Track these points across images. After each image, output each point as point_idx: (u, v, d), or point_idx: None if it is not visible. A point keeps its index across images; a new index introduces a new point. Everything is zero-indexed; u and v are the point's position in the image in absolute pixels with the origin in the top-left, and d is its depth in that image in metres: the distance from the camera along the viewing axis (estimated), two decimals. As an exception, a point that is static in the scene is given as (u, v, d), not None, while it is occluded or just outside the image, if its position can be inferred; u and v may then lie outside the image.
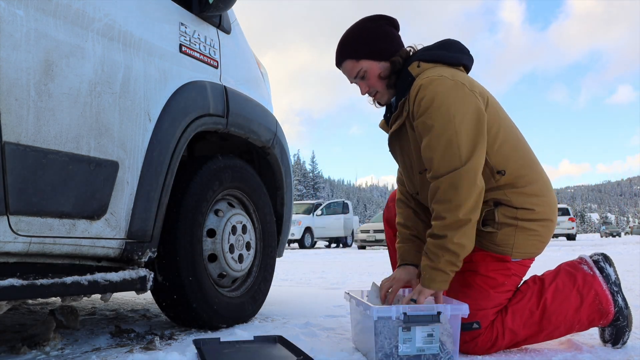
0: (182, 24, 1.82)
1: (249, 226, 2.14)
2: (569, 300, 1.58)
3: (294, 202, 11.54)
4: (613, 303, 1.59)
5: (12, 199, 1.22)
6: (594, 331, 1.89)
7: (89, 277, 1.43)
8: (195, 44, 1.88)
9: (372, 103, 1.77)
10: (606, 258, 1.67)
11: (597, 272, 1.62)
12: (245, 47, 2.29)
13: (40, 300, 2.63)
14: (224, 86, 2.00)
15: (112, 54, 1.49)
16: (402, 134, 1.66)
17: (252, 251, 2.16)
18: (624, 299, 1.62)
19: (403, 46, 1.68)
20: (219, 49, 2.02)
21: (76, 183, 1.38)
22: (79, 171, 1.38)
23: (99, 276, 1.46)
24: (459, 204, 1.45)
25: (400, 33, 1.73)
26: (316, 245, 18.45)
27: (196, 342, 1.59)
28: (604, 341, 1.67)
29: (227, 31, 2.11)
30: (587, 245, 14.20)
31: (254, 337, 1.69)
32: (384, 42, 1.65)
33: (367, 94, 1.71)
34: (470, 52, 1.69)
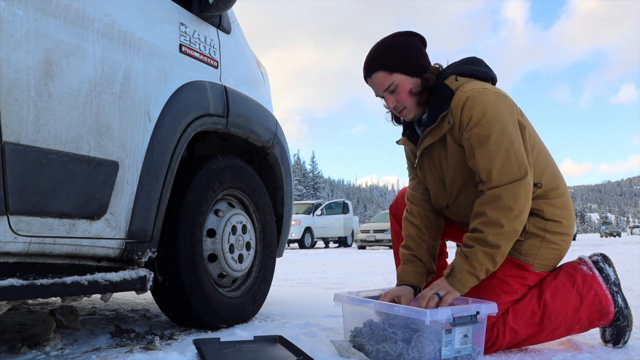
0: (182, 24, 1.82)
1: (249, 226, 2.14)
2: (568, 301, 1.58)
3: (294, 202, 11.55)
4: (613, 303, 1.59)
5: (12, 199, 1.22)
6: (594, 331, 1.89)
7: (89, 277, 1.43)
8: (195, 44, 1.88)
9: (391, 120, 1.77)
10: (605, 258, 1.67)
11: (597, 272, 1.63)
12: (245, 47, 2.29)
13: (40, 300, 2.63)
14: (224, 86, 2.00)
15: (112, 54, 1.49)
16: (434, 148, 1.67)
17: (252, 251, 2.16)
18: (623, 299, 1.63)
19: (431, 64, 1.68)
20: (219, 49, 2.02)
21: (76, 183, 1.38)
22: (79, 171, 1.38)
23: (99, 276, 1.46)
24: (518, 215, 1.47)
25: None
26: (316, 245, 18.44)
27: (196, 342, 1.59)
28: (605, 341, 1.67)
29: (227, 31, 2.11)
30: (587, 245, 14.20)
31: (254, 337, 1.68)
32: (417, 58, 1.65)
33: (393, 109, 1.68)
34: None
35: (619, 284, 1.64)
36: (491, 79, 1.66)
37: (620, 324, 1.62)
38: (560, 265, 1.68)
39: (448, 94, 1.59)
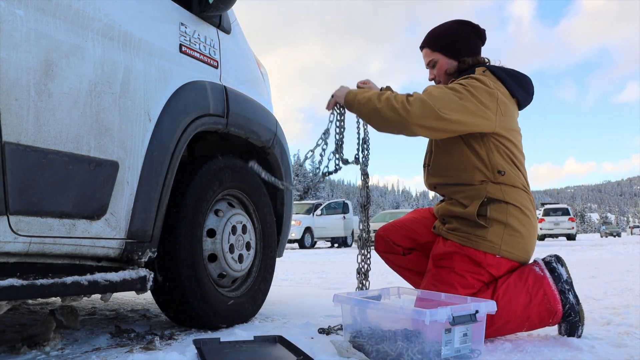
0: (182, 24, 1.82)
1: (249, 226, 2.14)
2: (517, 298, 1.70)
3: (294, 202, 11.53)
4: (561, 302, 1.71)
5: (12, 199, 1.22)
6: (595, 332, 1.90)
7: (89, 277, 1.43)
8: (195, 44, 1.88)
9: None
10: (558, 259, 1.80)
11: (548, 273, 1.75)
12: (245, 47, 2.29)
13: (40, 300, 2.63)
14: (224, 86, 2.00)
15: (112, 54, 1.49)
16: None
17: (252, 251, 2.16)
18: (575, 296, 1.74)
19: (479, 54, 1.93)
20: (219, 49, 2.02)
21: (76, 183, 1.38)
22: (79, 171, 1.38)
23: (99, 276, 1.46)
24: (414, 117, 1.69)
25: (482, 45, 1.97)
26: (318, 245, 18.43)
27: (196, 342, 1.59)
28: (561, 334, 1.79)
29: (227, 31, 2.11)
30: (587, 245, 14.20)
31: (254, 337, 1.68)
32: (459, 43, 1.91)
33: (431, 80, 1.99)
34: (533, 91, 1.91)
35: (571, 282, 1.75)
36: (512, 93, 1.83)
37: (572, 319, 1.73)
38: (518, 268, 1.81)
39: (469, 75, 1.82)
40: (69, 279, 1.37)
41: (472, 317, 1.41)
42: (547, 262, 1.79)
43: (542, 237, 22.71)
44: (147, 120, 1.61)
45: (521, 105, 1.90)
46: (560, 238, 24.70)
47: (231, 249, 2.02)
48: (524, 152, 1.91)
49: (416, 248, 2.03)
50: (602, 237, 39.52)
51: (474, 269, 1.76)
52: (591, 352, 1.58)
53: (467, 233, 1.79)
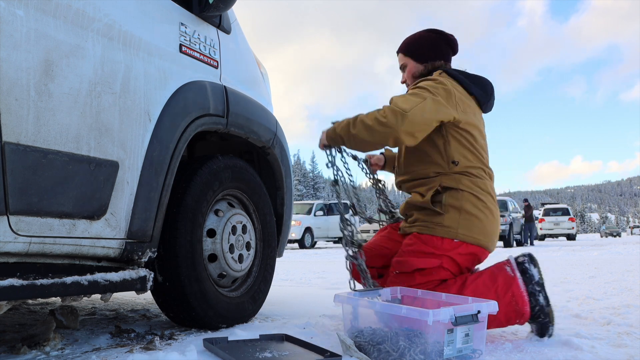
0: (182, 24, 1.82)
1: (249, 226, 2.14)
2: (485, 298, 1.70)
3: (294, 202, 11.53)
4: (530, 304, 1.72)
5: (12, 199, 1.22)
6: (596, 332, 1.90)
7: (89, 277, 1.43)
8: (195, 44, 1.88)
9: None
10: (532, 259, 1.80)
11: (519, 274, 1.76)
12: (245, 47, 2.29)
13: (40, 300, 2.63)
14: (224, 86, 2.00)
15: (112, 53, 1.49)
16: None
17: (252, 251, 2.16)
18: (545, 298, 1.75)
19: (447, 61, 2.07)
20: (219, 49, 2.02)
21: (76, 183, 1.38)
22: (79, 171, 1.38)
23: (99, 276, 1.46)
24: (383, 126, 1.79)
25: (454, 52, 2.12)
26: (316, 245, 18.43)
27: (206, 341, 1.59)
28: (532, 333, 1.81)
29: (227, 31, 2.11)
30: (587, 245, 14.19)
31: (260, 335, 1.69)
32: (426, 49, 2.05)
33: (403, 83, 2.12)
34: (492, 93, 2.03)
35: (542, 284, 1.75)
36: (469, 91, 1.95)
37: (542, 320, 1.74)
38: (491, 266, 1.84)
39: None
40: (69, 279, 1.37)
41: (474, 318, 1.42)
42: (520, 263, 1.79)
43: (542, 237, 22.70)
44: (147, 120, 1.61)
45: (481, 104, 1.99)
46: (560, 238, 24.69)
47: (231, 249, 2.02)
48: (492, 152, 2.01)
49: (389, 264, 2.03)
50: (602, 237, 39.53)
51: (432, 256, 1.82)
52: (591, 352, 1.58)
53: (425, 221, 1.88)
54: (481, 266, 1.96)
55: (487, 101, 2.01)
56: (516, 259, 1.81)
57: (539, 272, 1.76)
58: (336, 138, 1.92)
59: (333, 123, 1.95)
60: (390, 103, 1.84)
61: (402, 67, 2.11)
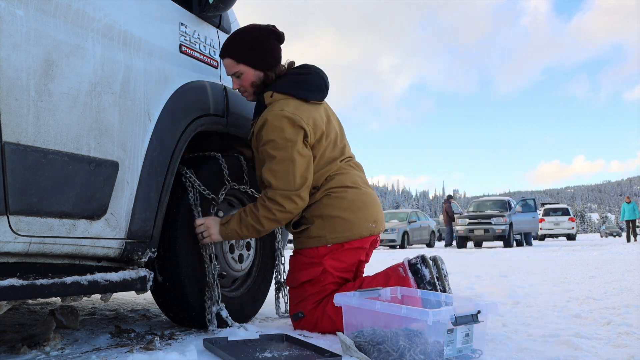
0: (182, 24, 1.82)
1: (249, 226, 2.13)
2: None
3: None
4: (422, 302, 1.75)
5: (12, 199, 1.22)
6: (596, 332, 1.90)
7: (89, 277, 1.43)
8: (195, 44, 1.88)
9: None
10: (424, 260, 1.87)
11: (410, 274, 1.85)
12: (245, 47, 2.28)
13: (40, 300, 2.63)
14: (224, 86, 2.00)
15: (112, 54, 1.49)
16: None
17: (252, 251, 2.16)
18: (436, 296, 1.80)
19: (280, 61, 1.95)
20: (219, 49, 2.01)
21: (76, 183, 1.38)
22: (79, 171, 1.38)
23: (99, 276, 1.46)
24: (277, 219, 1.83)
25: (280, 45, 1.98)
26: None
27: (206, 341, 1.59)
28: None
29: (227, 31, 2.11)
30: (587, 245, 14.20)
31: (260, 335, 1.69)
32: (265, 54, 1.91)
33: (237, 90, 1.98)
34: (326, 83, 1.97)
35: (433, 283, 1.83)
36: (305, 99, 1.89)
37: None
38: (386, 268, 1.93)
39: (263, 107, 1.90)
40: (69, 279, 1.37)
41: (474, 318, 1.41)
42: (412, 264, 1.87)
43: (542, 237, 22.70)
44: (147, 120, 1.61)
45: (320, 99, 1.95)
46: (560, 238, 24.70)
47: (231, 249, 2.02)
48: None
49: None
50: (602, 237, 39.53)
51: (313, 265, 1.88)
52: (591, 352, 1.58)
53: (299, 238, 1.94)
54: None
55: (325, 95, 1.97)
56: (409, 260, 1.89)
57: (430, 272, 1.84)
58: (232, 234, 1.85)
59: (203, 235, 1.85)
60: (265, 186, 1.85)
61: (237, 75, 1.91)
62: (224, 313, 1.85)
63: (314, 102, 1.93)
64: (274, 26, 1.95)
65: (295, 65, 1.98)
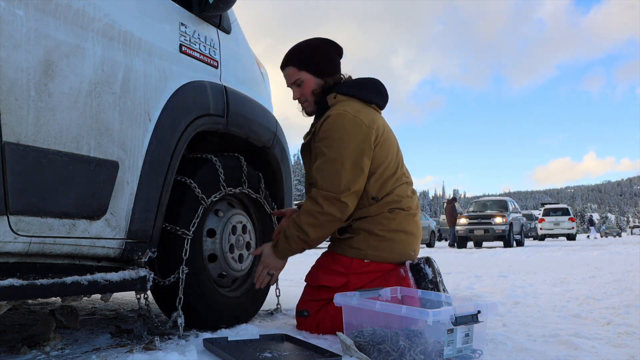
0: (182, 24, 1.82)
1: (249, 226, 2.14)
2: None
3: (294, 202, 11.50)
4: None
5: (12, 199, 1.22)
6: (596, 332, 1.90)
7: (89, 277, 1.43)
8: (195, 44, 1.88)
9: (301, 111, 2.05)
10: (427, 260, 1.88)
11: (410, 274, 1.85)
12: (245, 47, 2.29)
13: (40, 300, 2.63)
14: (224, 86, 2.00)
15: (112, 54, 1.49)
16: (309, 147, 1.98)
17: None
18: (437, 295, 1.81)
19: (340, 73, 1.99)
20: (219, 49, 2.01)
21: (76, 183, 1.38)
22: (79, 171, 1.38)
23: (99, 276, 1.46)
24: (318, 223, 1.80)
25: (342, 59, 2.04)
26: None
27: (206, 341, 1.59)
28: None
29: (227, 31, 2.11)
30: (587, 245, 14.19)
31: (260, 335, 1.69)
32: (325, 63, 1.96)
33: (297, 100, 2.00)
34: (386, 92, 2.01)
35: (435, 282, 1.83)
36: (369, 101, 1.93)
37: None
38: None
39: (326, 107, 1.91)
40: (69, 279, 1.37)
41: (474, 318, 1.41)
42: (415, 264, 1.87)
43: (542, 237, 22.70)
44: (147, 120, 1.61)
45: (382, 106, 2.00)
46: (560, 238, 24.70)
47: (231, 249, 2.02)
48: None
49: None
50: (602, 237, 39.55)
51: (339, 274, 1.88)
52: (591, 352, 1.58)
53: (338, 240, 1.92)
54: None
55: (385, 103, 2.02)
56: (412, 262, 1.89)
57: (433, 271, 1.84)
58: (286, 252, 1.87)
59: (270, 274, 1.91)
60: (316, 185, 1.82)
61: (297, 83, 1.97)
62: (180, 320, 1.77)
63: (376, 108, 1.96)
64: (338, 44, 2.01)
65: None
